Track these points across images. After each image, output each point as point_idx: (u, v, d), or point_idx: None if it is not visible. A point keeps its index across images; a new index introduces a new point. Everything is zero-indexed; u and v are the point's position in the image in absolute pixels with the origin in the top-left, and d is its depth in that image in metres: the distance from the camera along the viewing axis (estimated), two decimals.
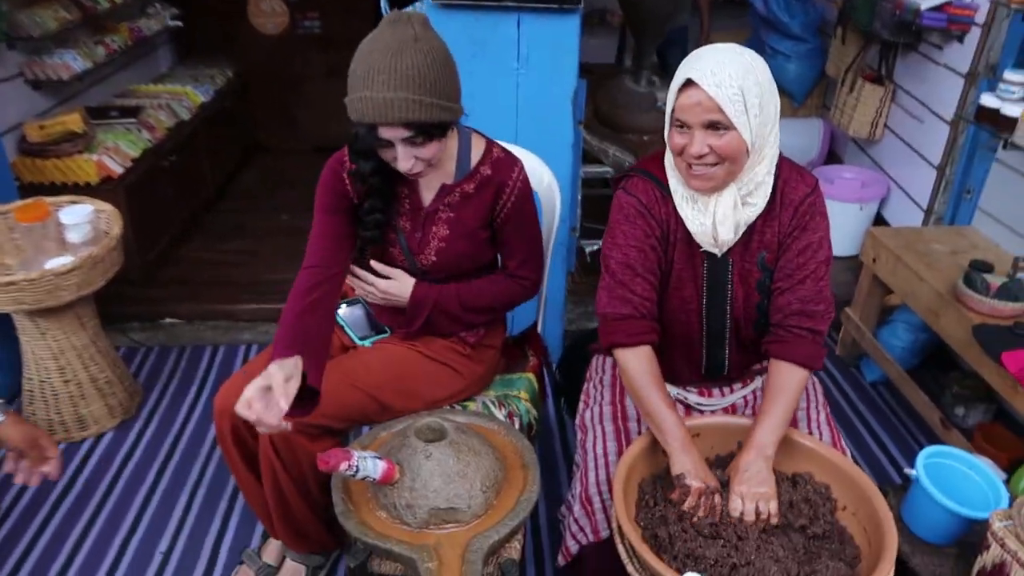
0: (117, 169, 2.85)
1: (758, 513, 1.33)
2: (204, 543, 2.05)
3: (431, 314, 1.66)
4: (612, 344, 1.48)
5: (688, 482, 1.35)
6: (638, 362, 1.45)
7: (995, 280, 2.12)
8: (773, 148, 1.39)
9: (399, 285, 1.66)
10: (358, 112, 1.38)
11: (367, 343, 1.74)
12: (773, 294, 1.48)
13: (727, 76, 1.29)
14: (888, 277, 2.48)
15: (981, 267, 2.15)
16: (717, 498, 1.35)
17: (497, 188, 1.61)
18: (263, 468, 1.61)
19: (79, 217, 2.22)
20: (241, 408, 1.34)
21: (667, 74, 3.53)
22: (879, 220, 3.24)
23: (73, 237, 2.23)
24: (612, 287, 1.48)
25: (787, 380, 1.43)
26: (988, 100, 2.32)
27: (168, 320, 2.97)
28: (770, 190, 1.42)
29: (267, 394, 1.35)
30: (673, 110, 1.36)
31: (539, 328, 2.00)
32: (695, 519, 1.33)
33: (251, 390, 1.34)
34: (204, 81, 3.89)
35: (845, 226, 3.12)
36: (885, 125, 3.21)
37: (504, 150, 1.65)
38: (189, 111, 3.55)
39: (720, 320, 1.53)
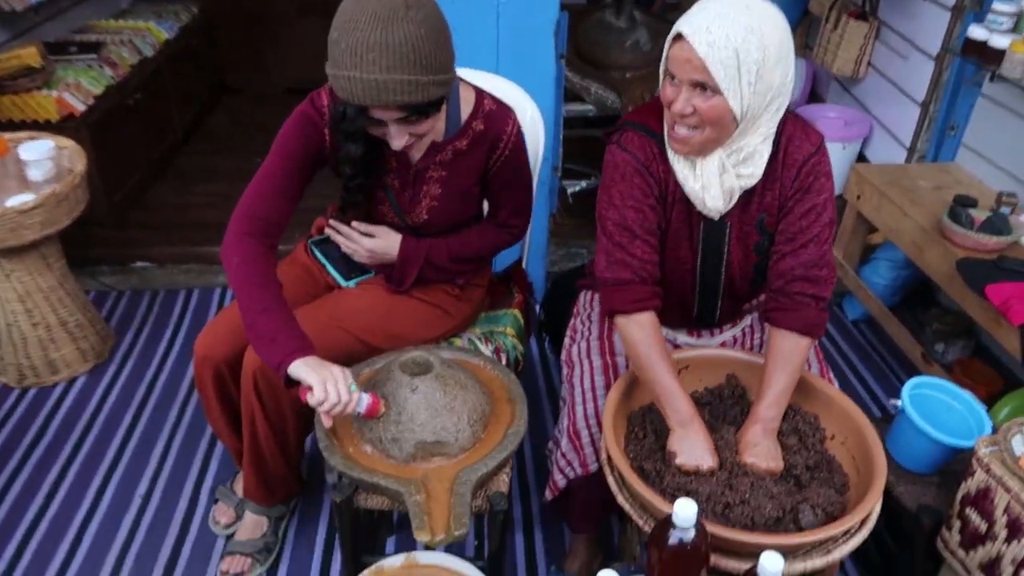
0: (79, 106, 2.72)
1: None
2: (184, 485, 2.02)
3: (422, 269, 1.61)
4: (612, 311, 1.40)
5: (678, 462, 1.30)
6: (640, 330, 1.37)
7: (979, 215, 2.12)
8: (772, 119, 1.29)
9: (384, 243, 1.59)
10: (346, 92, 1.26)
11: (351, 284, 1.69)
12: (773, 258, 1.41)
13: (723, 36, 1.18)
14: (872, 214, 2.47)
15: (965, 202, 2.14)
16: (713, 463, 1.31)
17: (491, 143, 1.53)
18: (244, 414, 1.58)
19: (40, 153, 2.12)
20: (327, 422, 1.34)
21: (649, 9, 3.45)
22: (862, 160, 3.22)
23: (35, 174, 2.13)
24: (610, 250, 1.39)
25: (790, 349, 1.36)
26: (976, 32, 2.28)
27: (139, 264, 2.89)
28: (767, 158, 1.33)
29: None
30: (666, 59, 1.27)
31: (523, 267, 1.96)
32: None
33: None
34: (167, 17, 3.72)
35: None
36: (869, 63, 3.16)
37: (495, 101, 1.54)
38: (153, 48, 3.40)
39: (715, 279, 1.48)
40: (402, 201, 1.56)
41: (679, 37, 1.22)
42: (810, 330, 1.37)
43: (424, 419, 1.34)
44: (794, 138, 1.36)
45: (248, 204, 1.46)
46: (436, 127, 1.47)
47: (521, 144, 1.57)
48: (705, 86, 1.22)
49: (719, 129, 1.27)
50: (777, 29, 1.22)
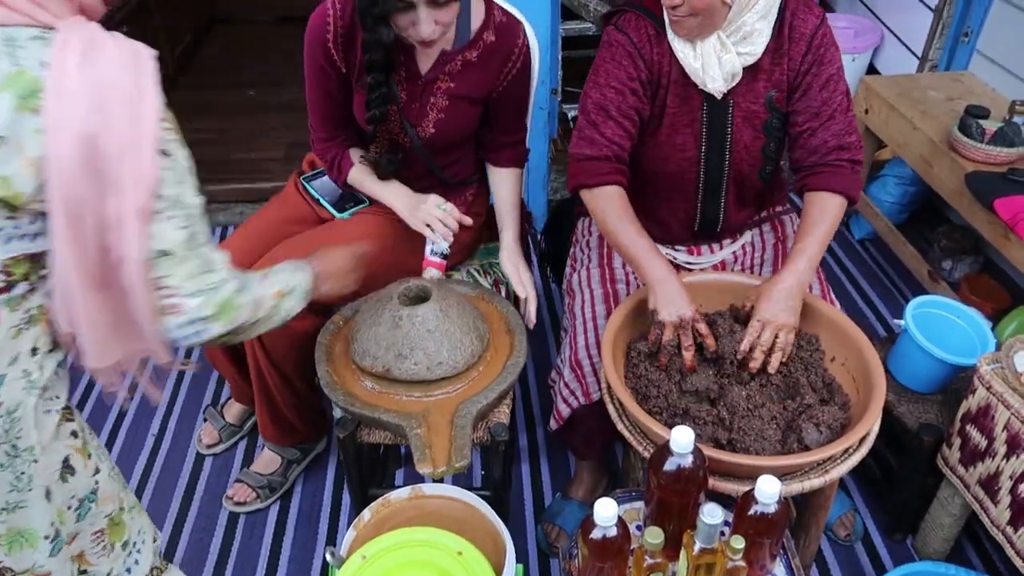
0: None
1: (777, 347, 1.29)
2: (196, 422, 2.05)
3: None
4: (577, 185, 1.42)
5: (661, 317, 1.31)
6: (607, 200, 1.39)
7: (990, 126, 2.05)
8: None
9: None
10: None
11: (346, 215, 1.67)
12: (800, 137, 1.41)
13: None
14: (881, 128, 2.40)
15: (977, 112, 2.07)
16: (702, 327, 1.32)
17: (503, 57, 1.50)
18: (248, 354, 1.59)
19: None
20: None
21: None
22: (872, 71, 3.11)
23: None
24: (583, 127, 1.42)
25: (828, 208, 1.37)
26: None
27: None
28: (768, 35, 1.33)
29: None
30: None
31: (523, 195, 1.93)
32: (686, 359, 1.30)
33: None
34: None
35: None
36: None
37: (505, 12, 1.51)
38: None
39: (719, 168, 1.46)
40: (409, 114, 1.53)
41: None
42: (847, 190, 1.39)
43: (424, 347, 1.34)
44: (798, 11, 1.36)
45: (317, 129, 1.60)
46: (448, 32, 1.44)
47: (530, 59, 1.56)
48: None
49: (711, 15, 1.28)
50: None
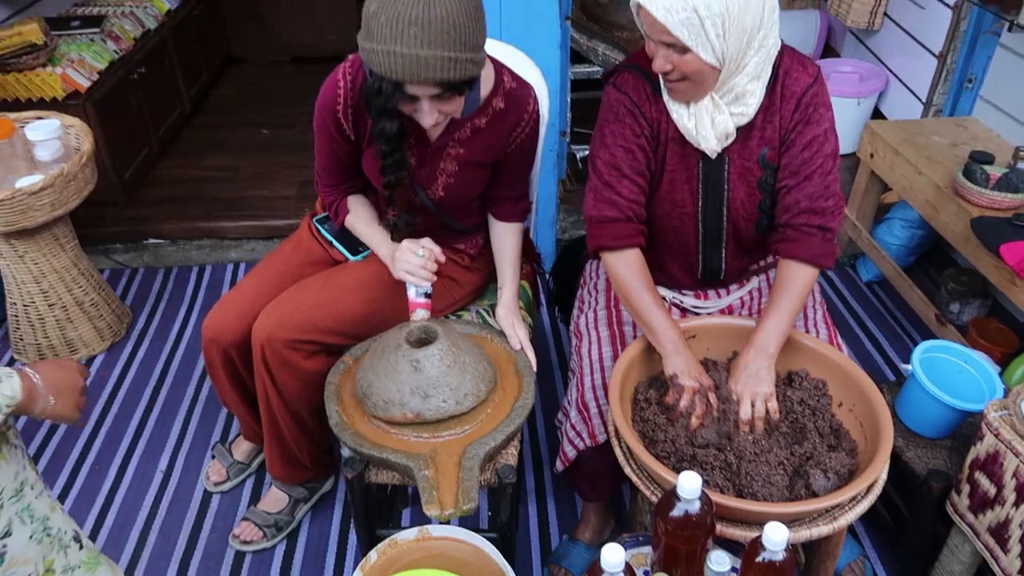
0: (83, 83, 2.72)
1: (756, 415, 1.32)
2: (205, 459, 2.06)
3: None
4: (598, 247, 1.44)
5: (681, 381, 1.33)
6: (626, 265, 1.42)
7: (995, 171, 2.07)
8: (758, 54, 1.29)
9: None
10: (384, 68, 1.24)
11: (359, 257, 1.69)
12: (779, 193, 1.42)
13: None
14: (886, 173, 2.42)
15: (981, 158, 2.10)
16: (712, 397, 1.34)
17: (512, 124, 1.52)
18: (258, 390, 1.60)
19: (47, 133, 2.13)
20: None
21: None
22: (877, 115, 3.15)
23: (43, 155, 2.14)
24: (599, 189, 1.43)
25: (794, 278, 1.39)
26: None
27: (152, 241, 2.90)
28: (762, 95, 1.34)
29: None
30: (638, 19, 1.29)
31: (531, 236, 1.95)
32: (692, 423, 1.32)
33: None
34: None
35: (842, 122, 2.95)
36: (884, 13, 3.08)
37: (515, 78, 1.53)
38: (156, 20, 3.37)
39: (717, 222, 1.48)
40: (420, 177, 1.55)
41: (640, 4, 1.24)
42: (816, 259, 1.39)
43: (448, 383, 1.35)
44: (791, 70, 1.37)
45: (323, 177, 1.62)
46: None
47: (538, 125, 1.58)
48: (674, 46, 1.25)
49: (701, 79, 1.29)
50: None
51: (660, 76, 1.34)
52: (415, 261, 1.50)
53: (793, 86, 1.37)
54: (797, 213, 1.39)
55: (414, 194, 1.58)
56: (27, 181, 2.04)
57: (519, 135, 1.54)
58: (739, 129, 1.37)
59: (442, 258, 1.54)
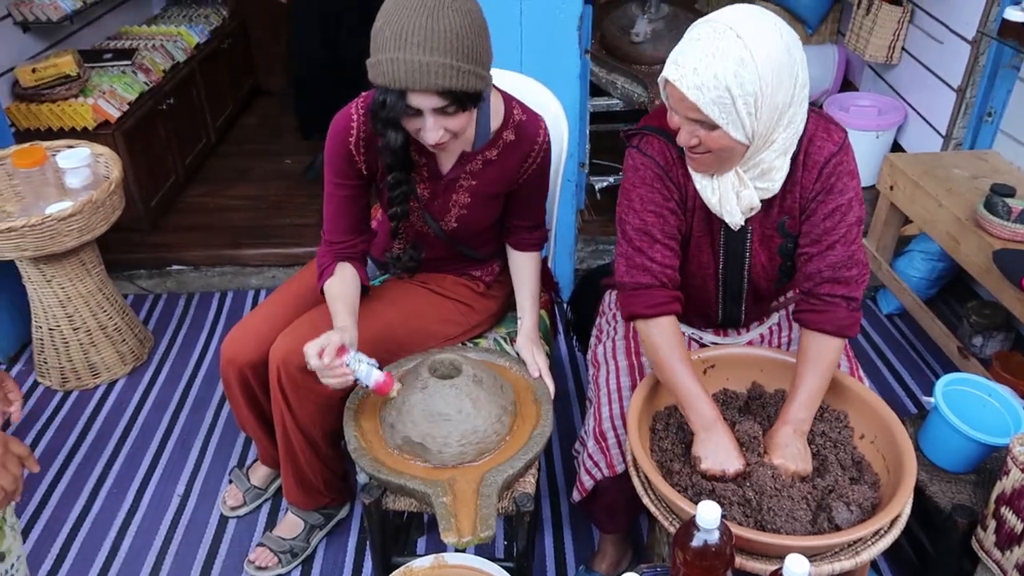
0: (114, 113, 2.79)
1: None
2: (222, 483, 2.06)
3: None
4: (633, 316, 1.40)
5: (703, 467, 1.28)
6: (660, 334, 1.37)
7: (1016, 204, 2.06)
8: (787, 131, 1.26)
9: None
10: (387, 76, 1.26)
11: (376, 283, 1.71)
12: (800, 260, 1.39)
13: (711, 76, 1.15)
14: (906, 205, 2.42)
15: (1002, 191, 2.09)
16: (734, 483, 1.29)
17: (523, 155, 1.53)
18: (274, 413, 1.61)
19: (77, 161, 2.18)
20: (312, 356, 1.34)
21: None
22: (896, 148, 3.15)
23: (72, 182, 2.19)
24: (630, 255, 1.39)
25: (822, 351, 1.35)
26: (1012, 14, 2.21)
27: (175, 267, 2.95)
28: (787, 170, 1.31)
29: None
30: (663, 92, 1.26)
31: (550, 265, 1.97)
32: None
33: (314, 347, 1.34)
34: (198, 21, 3.77)
35: (861, 155, 2.97)
36: (903, 48, 3.09)
37: (524, 109, 1.54)
38: (185, 52, 3.46)
39: (738, 283, 1.47)
40: (432, 209, 1.57)
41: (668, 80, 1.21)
42: (841, 330, 1.35)
43: (452, 420, 1.35)
44: (815, 138, 1.33)
45: (326, 231, 1.56)
46: (467, 134, 1.47)
47: (549, 154, 1.59)
48: (703, 123, 1.21)
49: (728, 154, 1.26)
50: (774, 49, 1.17)
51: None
52: (313, 363, 1.35)
53: (816, 155, 1.32)
54: (820, 283, 1.36)
55: (426, 225, 1.59)
56: (57, 207, 2.09)
57: (530, 166, 1.55)
58: (763, 201, 1.34)
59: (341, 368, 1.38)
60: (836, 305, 1.35)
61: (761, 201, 1.34)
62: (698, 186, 1.35)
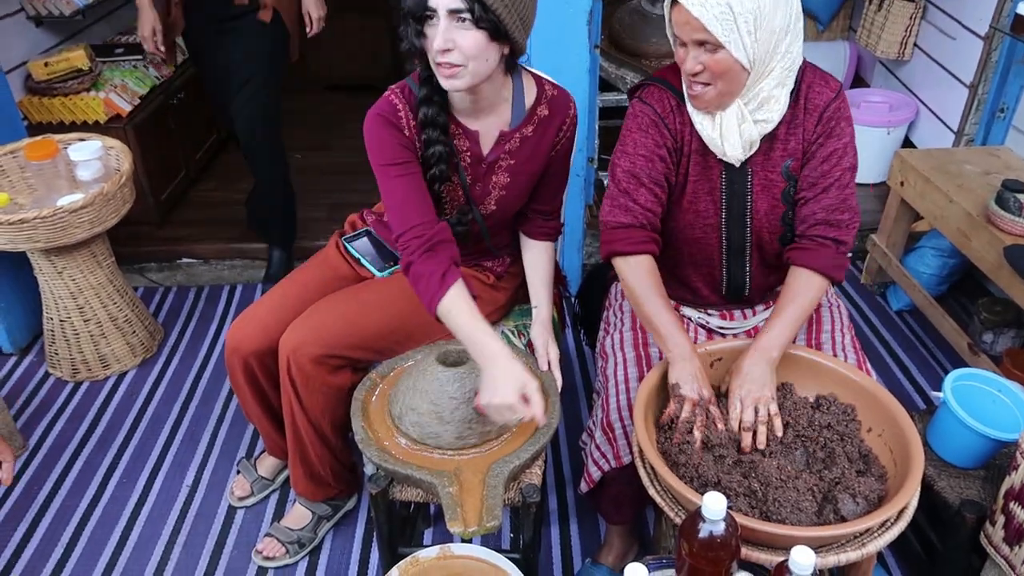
0: (125, 107, 2.81)
1: (760, 419, 1.31)
2: (230, 475, 2.07)
3: None
4: (611, 253, 1.46)
5: (682, 391, 1.33)
6: (638, 269, 1.43)
7: None
8: (784, 60, 1.33)
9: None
10: None
11: (385, 274, 1.72)
12: (797, 204, 1.44)
13: None
14: (916, 201, 2.41)
15: (1014, 187, 2.07)
16: (714, 410, 1.33)
17: (556, 129, 1.56)
18: (284, 404, 1.62)
19: (88, 153, 2.20)
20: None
21: None
22: (907, 144, 3.14)
23: (84, 174, 2.21)
24: (615, 195, 1.46)
25: (803, 285, 1.39)
26: None
27: (185, 260, 2.97)
28: (785, 103, 1.37)
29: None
30: (670, 23, 1.33)
31: (558, 259, 1.97)
32: (696, 437, 1.30)
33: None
34: None
35: (872, 151, 3.02)
36: (915, 44, 3.08)
37: (555, 86, 1.58)
38: None
39: (740, 234, 1.49)
40: (473, 193, 1.58)
41: (674, 1, 1.28)
42: (827, 271, 1.40)
43: (459, 410, 1.36)
44: (814, 85, 1.40)
45: (404, 220, 1.44)
46: (502, 113, 1.50)
47: (576, 128, 1.61)
48: (707, 43, 1.28)
49: (731, 81, 1.32)
50: None
51: (686, 85, 1.37)
52: (507, 415, 1.33)
53: (816, 99, 1.40)
54: (813, 224, 1.41)
55: (468, 210, 1.60)
56: (68, 199, 2.11)
57: (561, 139, 1.58)
58: (762, 139, 1.40)
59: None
60: (826, 246, 1.40)
61: (761, 139, 1.39)
62: (698, 126, 1.40)
